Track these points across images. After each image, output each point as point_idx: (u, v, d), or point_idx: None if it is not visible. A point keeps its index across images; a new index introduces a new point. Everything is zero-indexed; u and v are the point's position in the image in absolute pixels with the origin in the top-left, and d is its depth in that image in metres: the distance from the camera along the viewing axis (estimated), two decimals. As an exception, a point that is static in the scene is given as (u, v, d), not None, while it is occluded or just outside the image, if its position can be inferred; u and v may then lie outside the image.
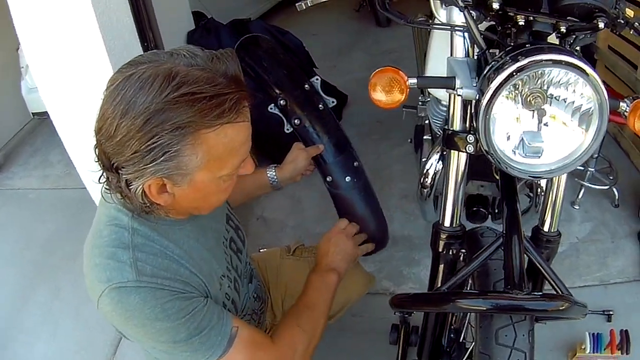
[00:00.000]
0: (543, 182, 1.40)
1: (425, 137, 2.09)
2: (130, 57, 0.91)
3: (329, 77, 3.77)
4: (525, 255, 0.99)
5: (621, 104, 0.96)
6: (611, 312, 2.01)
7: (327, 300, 1.32)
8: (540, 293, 1.03)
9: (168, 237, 1.05)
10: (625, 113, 0.96)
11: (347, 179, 1.64)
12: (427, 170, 1.67)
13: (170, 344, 1.01)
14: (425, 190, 1.71)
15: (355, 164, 1.67)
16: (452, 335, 1.46)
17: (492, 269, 1.08)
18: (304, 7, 1.13)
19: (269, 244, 2.42)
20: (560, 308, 0.94)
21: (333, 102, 1.77)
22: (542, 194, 1.45)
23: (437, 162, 1.65)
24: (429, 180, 1.68)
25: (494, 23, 1.03)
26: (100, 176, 0.99)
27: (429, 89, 1.73)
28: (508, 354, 0.98)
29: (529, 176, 0.98)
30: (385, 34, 5.48)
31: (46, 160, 3.84)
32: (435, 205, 1.89)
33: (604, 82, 0.89)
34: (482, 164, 1.18)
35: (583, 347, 1.82)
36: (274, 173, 1.60)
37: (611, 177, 2.65)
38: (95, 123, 0.91)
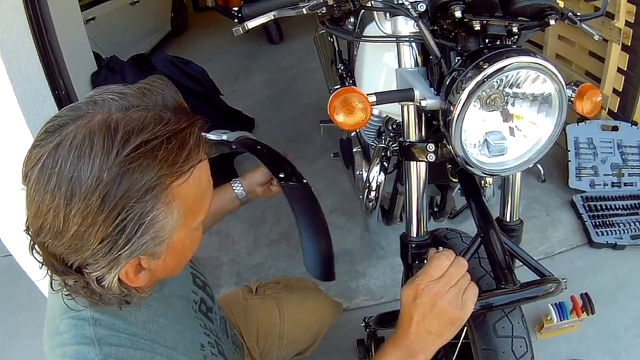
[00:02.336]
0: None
1: (354, 150, 2.08)
2: (42, 109, 0.77)
3: (231, 102, 3.75)
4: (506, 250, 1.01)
5: (567, 91, 0.99)
6: (565, 280, 2.10)
7: None
8: (530, 281, 1.06)
9: (134, 323, 0.89)
10: (571, 98, 1.00)
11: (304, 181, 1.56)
12: (370, 183, 1.66)
13: None
14: (371, 204, 1.70)
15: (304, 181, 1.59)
16: None
17: (471, 270, 1.09)
18: (242, 32, 1.07)
19: (213, 286, 2.33)
20: (551, 290, 1.00)
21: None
22: (487, 185, 1.50)
23: (379, 175, 1.65)
24: (373, 193, 1.67)
25: (436, 28, 1.04)
26: (51, 282, 0.83)
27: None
28: (510, 344, 1.00)
29: (495, 174, 1.00)
30: (280, 51, 5.55)
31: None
32: (379, 215, 1.89)
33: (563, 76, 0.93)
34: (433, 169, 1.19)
35: (549, 318, 1.90)
36: (239, 185, 1.44)
37: (532, 155, 2.80)
38: (29, 223, 0.73)
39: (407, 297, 0.94)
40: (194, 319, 1.09)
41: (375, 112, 1.61)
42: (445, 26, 0.96)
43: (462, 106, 0.88)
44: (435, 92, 0.97)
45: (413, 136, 1.08)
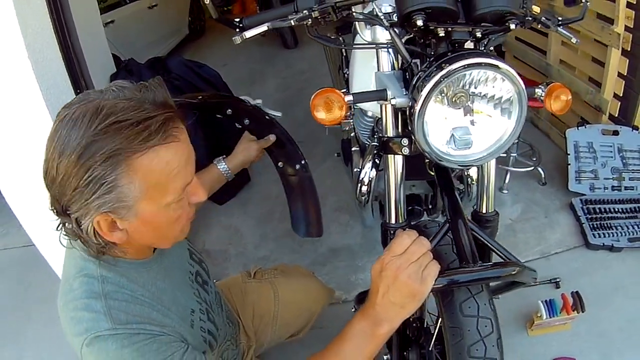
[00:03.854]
0: (473, 172, 1.56)
1: (353, 149, 2.23)
2: (64, 103, 0.98)
3: (246, 105, 3.87)
4: (471, 235, 1.13)
5: (536, 90, 1.13)
6: (558, 279, 2.23)
7: (365, 356, 1.10)
8: (492, 262, 1.18)
9: (137, 281, 1.09)
10: (541, 97, 1.13)
11: (297, 166, 1.74)
12: (362, 178, 1.80)
13: None
14: (363, 198, 1.83)
15: (302, 161, 1.76)
16: (415, 325, 1.57)
17: (443, 254, 1.21)
18: (239, 41, 1.22)
19: (218, 276, 2.49)
20: (513, 273, 1.09)
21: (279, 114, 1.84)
22: (473, 182, 1.61)
23: (371, 170, 1.78)
24: (365, 187, 1.81)
25: (412, 36, 1.18)
26: (58, 225, 1.02)
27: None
28: (476, 323, 1.10)
29: (464, 165, 1.12)
30: (294, 56, 5.68)
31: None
32: (374, 211, 2.02)
33: (519, 73, 1.05)
34: (414, 165, 1.32)
35: (539, 315, 1.98)
36: (224, 165, 1.62)
37: (534, 159, 2.92)
38: (42, 169, 0.95)
39: (374, 270, 1.08)
40: (189, 287, 1.28)
41: (369, 113, 1.76)
42: (412, 34, 1.10)
43: (423, 102, 1.01)
44: (406, 93, 1.10)
45: (390, 132, 1.22)
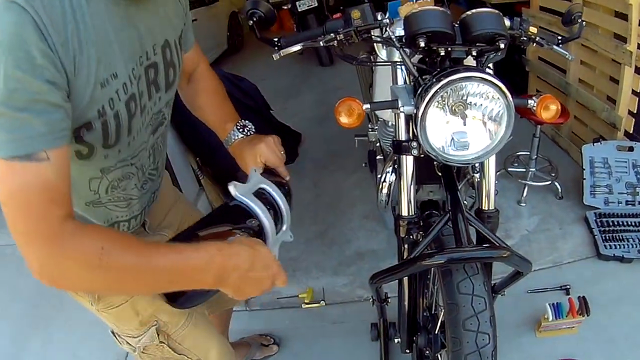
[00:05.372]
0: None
1: (378, 158, 2.47)
2: None
3: (282, 117, 4.17)
4: (468, 223, 1.35)
5: (529, 101, 1.34)
6: (568, 286, 2.40)
7: (169, 275, 0.99)
8: (485, 245, 1.37)
9: None
10: (533, 108, 1.34)
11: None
12: (383, 182, 2.04)
13: None
14: (383, 200, 2.07)
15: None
16: (425, 314, 1.78)
17: (445, 243, 1.43)
18: (278, 58, 1.49)
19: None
20: (503, 255, 1.27)
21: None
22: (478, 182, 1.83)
23: (391, 175, 2.02)
24: (385, 190, 2.04)
25: (423, 55, 1.42)
26: None
27: (378, 115, 2.13)
28: (470, 300, 1.29)
29: (462, 163, 1.34)
30: (329, 73, 5.94)
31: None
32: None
33: (509, 87, 1.26)
34: (428, 170, 1.55)
35: (546, 317, 2.13)
36: (239, 134, 1.48)
37: (552, 174, 3.09)
38: None
39: (243, 245, 1.05)
40: (131, 61, 1.06)
41: (390, 123, 2.00)
42: (418, 53, 1.34)
43: (424, 109, 1.24)
44: (413, 102, 1.34)
45: (401, 136, 1.45)
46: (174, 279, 1.00)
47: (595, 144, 2.94)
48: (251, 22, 1.46)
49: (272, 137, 1.46)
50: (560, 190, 3.07)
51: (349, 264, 2.86)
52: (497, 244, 1.38)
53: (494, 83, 1.25)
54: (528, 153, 3.06)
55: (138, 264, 0.94)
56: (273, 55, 1.49)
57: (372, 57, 1.81)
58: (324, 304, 2.64)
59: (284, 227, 1.33)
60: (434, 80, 1.26)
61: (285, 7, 6.43)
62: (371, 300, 2.05)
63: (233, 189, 1.17)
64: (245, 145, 1.44)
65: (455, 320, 1.30)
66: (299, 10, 5.67)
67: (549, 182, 3.08)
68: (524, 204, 3.06)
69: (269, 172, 1.39)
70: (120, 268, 0.92)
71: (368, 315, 2.39)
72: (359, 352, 2.32)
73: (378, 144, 2.53)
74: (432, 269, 1.62)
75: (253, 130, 1.50)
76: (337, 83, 5.57)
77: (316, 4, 5.83)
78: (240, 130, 1.48)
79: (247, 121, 1.51)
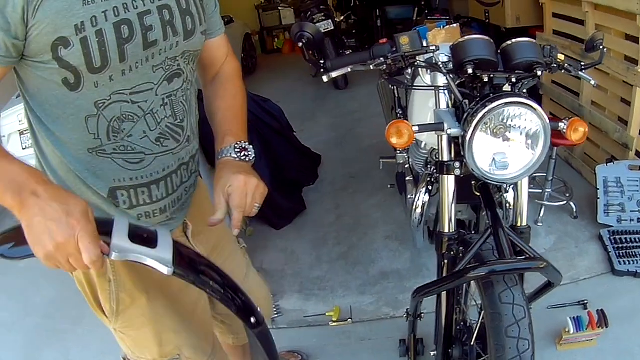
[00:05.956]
0: (510, 196, 1.88)
1: (407, 179, 2.59)
2: None
3: (300, 140, 4.29)
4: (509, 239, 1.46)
5: (560, 124, 1.46)
6: (586, 301, 2.48)
7: None
8: (524, 257, 1.47)
9: None
10: (563, 130, 1.46)
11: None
12: (417, 202, 2.15)
13: None
14: (417, 219, 2.18)
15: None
16: (458, 327, 1.87)
17: (485, 257, 1.53)
18: (327, 80, 1.60)
19: (274, 291, 2.87)
20: (541, 266, 1.38)
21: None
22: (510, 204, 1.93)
23: (424, 195, 2.13)
24: (419, 210, 2.15)
25: (462, 80, 1.54)
26: None
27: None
28: (512, 309, 1.38)
29: (502, 182, 1.46)
30: (344, 96, 6.06)
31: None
32: (425, 234, 2.37)
33: (548, 111, 1.40)
34: (460, 190, 1.64)
35: (567, 330, 2.21)
36: (233, 153, 1.35)
37: (567, 195, 3.19)
38: None
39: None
40: None
41: (423, 145, 2.12)
42: (463, 79, 1.47)
43: (472, 132, 1.36)
44: (458, 125, 1.46)
45: (445, 157, 1.57)
46: None
47: (608, 164, 3.04)
48: (300, 44, 1.56)
49: (257, 183, 1.27)
50: (575, 210, 3.16)
51: (374, 284, 2.94)
52: (534, 256, 1.48)
53: (533, 107, 1.38)
54: (544, 174, 3.16)
55: None
56: (323, 77, 1.59)
57: (406, 81, 1.94)
58: (351, 321, 2.71)
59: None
60: (480, 105, 1.38)
61: (300, 31, 6.58)
62: (405, 315, 2.13)
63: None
64: (229, 169, 1.29)
65: (498, 328, 1.38)
66: (314, 33, 5.80)
67: (564, 202, 3.18)
68: (541, 224, 3.15)
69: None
70: None
71: (395, 333, 2.47)
72: (385, 369, 2.39)
73: (407, 166, 2.64)
74: (468, 283, 1.72)
75: (251, 158, 1.36)
76: (353, 107, 5.68)
77: (332, 27, 5.89)
78: (237, 151, 1.34)
79: (250, 146, 1.38)
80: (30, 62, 1.07)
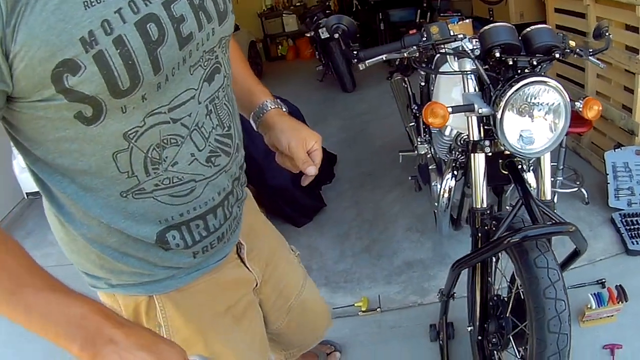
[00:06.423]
0: (531, 178, 1.99)
1: (430, 168, 2.73)
2: None
3: (313, 141, 4.41)
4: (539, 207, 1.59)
5: (576, 103, 1.60)
6: (604, 280, 2.60)
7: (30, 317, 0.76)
8: (554, 221, 1.61)
9: None
10: (579, 109, 1.60)
11: None
12: (444, 187, 2.28)
13: None
14: (444, 204, 2.31)
15: None
16: (490, 303, 1.97)
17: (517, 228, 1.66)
18: (362, 68, 1.72)
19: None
20: (570, 230, 1.51)
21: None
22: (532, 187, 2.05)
23: (451, 180, 2.27)
24: (446, 194, 2.29)
25: (487, 67, 1.68)
26: None
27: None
28: (547, 272, 1.51)
29: (530, 155, 1.61)
30: (353, 98, 6.17)
31: (44, 240, 3.97)
32: (451, 221, 2.49)
33: (567, 91, 1.54)
34: (488, 171, 1.77)
35: (589, 307, 2.32)
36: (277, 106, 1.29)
37: (578, 182, 3.33)
38: None
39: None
40: None
41: (447, 132, 2.25)
42: (491, 63, 1.61)
43: (502, 111, 1.51)
44: (487, 105, 1.60)
45: (476, 136, 1.71)
46: (34, 324, 0.76)
47: (616, 150, 3.18)
48: (336, 35, 1.67)
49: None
50: (586, 196, 3.29)
51: (399, 274, 3.06)
52: (564, 222, 1.61)
53: (555, 86, 1.53)
54: (555, 164, 3.29)
55: (6, 286, 0.75)
56: (358, 65, 1.72)
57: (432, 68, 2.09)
58: (379, 310, 2.81)
59: None
60: (507, 85, 1.52)
61: (308, 35, 6.72)
62: (438, 295, 2.26)
63: None
64: (288, 123, 1.23)
65: (536, 291, 1.50)
66: (322, 37, 5.91)
67: (576, 189, 3.30)
68: (555, 211, 3.28)
69: None
70: None
71: (424, 319, 2.59)
72: (418, 353, 2.49)
73: (429, 155, 2.78)
74: (497, 258, 1.85)
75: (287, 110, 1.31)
76: (362, 108, 5.80)
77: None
78: (279, 104, 1.29)
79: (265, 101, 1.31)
80: (24, 103, 0.78)
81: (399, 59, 2.42)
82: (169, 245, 1.04)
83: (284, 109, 1.29)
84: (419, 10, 6.30)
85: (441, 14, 5.31)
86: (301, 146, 1.17)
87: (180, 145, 0.95)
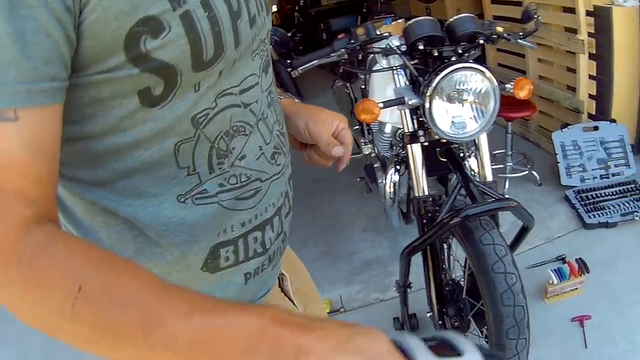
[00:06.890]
0: (474, 165, 2.08)
1: (375, 166, 2.82)
2: None
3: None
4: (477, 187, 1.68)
5: (506, 86, 1.70)
6: (564, 256, 2.68)
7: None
8: (494, 198, 1.68)
9: None
10: (510, 90, 1.70)
11: None
12: (388, 182, 2.37)
13: None
14: (391, 199, 2.39)
15: None
16: (447, 288, 2.02)
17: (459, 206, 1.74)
18: (297, 74, 1.80)
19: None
20: (512, 205, 1.59)
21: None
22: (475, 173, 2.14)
23: (394, 174, 2.35)
24: (391, 190, 2.37)
25: (416, 61, 1.77)
26: None
27: (372, 126, 2.48)
28: (493, 249, 1.58)
29: (463, 139, 1.70)
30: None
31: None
32: (402, 215, 2.58)
33: (494, 74, 1.63)
34: (430, 162, 1.85)
35: (551, 282, 2.39)
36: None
37: (528, 165, 3.42)
38: None
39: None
40: None
41: (387, 129, 2.34)
42: (418, 56, 1.71)
43: (430, 99, 1.60)
44: (417, 97, 1.69)
45: (410, 128, 1.79)
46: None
47: (563, 130, 3.27)
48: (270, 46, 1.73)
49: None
50: (538, 178, 3.38)
51: (359, 273, 3.08)
52: (504, 197, 1.70)
53: (480, 70, 1.62)
54: (503, 151, 3.40)
55: (133, 322, 0.54)
56: (292, 72, 1.79)
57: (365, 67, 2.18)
58: (343, 310, 2.85)
59: None
60: (433, 75, 1.61)
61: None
62: (395, 286, 2.32)
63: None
64: (306, 108, 1.08)
65: (484, 267, 1.56)
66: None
67: (527, 172, 3.39)
68: (507, 196, 3.39)
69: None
70: (102, 326, 0.55)
71: (387, 314, 2.64)
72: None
73: (373, 154, 2.87)
74: (448, 244, 1.93)
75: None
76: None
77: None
78: (291, 97, 1.16)
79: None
80: (75, 79, 0.61)
81: (342, 67, 2.49)
82: (217, 262, 0.82)
83: (297, 100, 1.14)
84: (359, 17, 6.40)
85: (375, 17, 5.42)
86: (322, 127, 1.02)
87: (248, 135, 0.79)
